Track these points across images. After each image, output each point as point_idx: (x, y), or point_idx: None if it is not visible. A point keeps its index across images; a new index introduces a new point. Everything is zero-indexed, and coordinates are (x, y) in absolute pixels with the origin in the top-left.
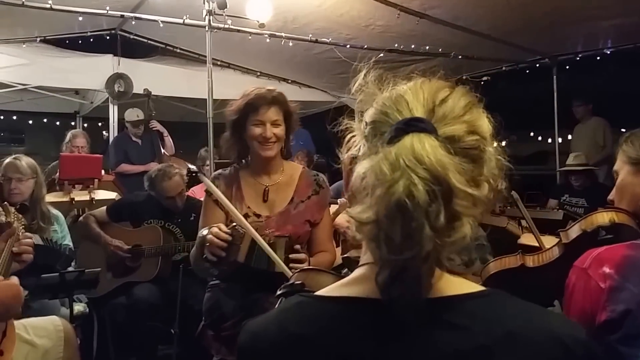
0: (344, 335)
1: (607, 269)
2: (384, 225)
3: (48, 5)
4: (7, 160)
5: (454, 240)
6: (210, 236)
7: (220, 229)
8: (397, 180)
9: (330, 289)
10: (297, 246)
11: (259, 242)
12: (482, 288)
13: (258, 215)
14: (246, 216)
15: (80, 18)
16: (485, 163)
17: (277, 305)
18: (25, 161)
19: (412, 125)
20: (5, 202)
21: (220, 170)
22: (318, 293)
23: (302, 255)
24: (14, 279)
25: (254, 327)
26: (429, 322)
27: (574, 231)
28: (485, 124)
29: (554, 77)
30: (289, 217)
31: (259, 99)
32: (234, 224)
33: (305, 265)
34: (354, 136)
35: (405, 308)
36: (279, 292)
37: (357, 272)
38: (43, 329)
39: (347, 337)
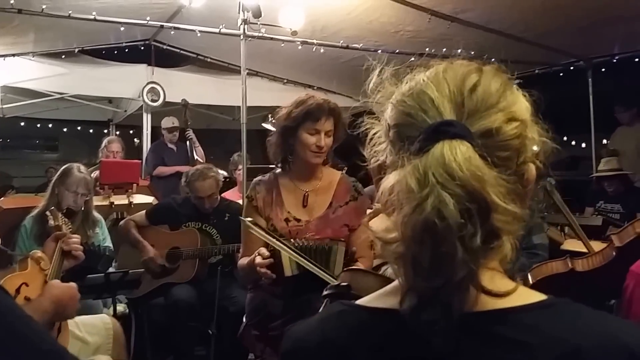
0: (378, 347)
1: None
2: (411, 247)
3: (92, 17)
4: (77, 173)
5: (493, 263)
6: (257, 268)
7: (262, 256)
8: (425, 199)
9: (371, 298)
10: (354, 248)
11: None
12: (543, 297)
13: (298, 220)
14: (287, 220)
15: (122, 28)
16: (527, 147)
17: (321, 308)
18: (90, 177)
19: (442, 132)
20: (53, 207)
21: (260, 177)
22: (359, 302)
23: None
24: (72, 283)
25: (297, 333)
26: (476, 338)
27: (628, 234)
28: (523, 105)
29: (589, 80)
30: (327, 221)
31: (318, 108)
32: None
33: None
34: (377, 134)
35: (435, 333)
36: (325, 293)
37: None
38: (93, 326)
39: (381, 350)
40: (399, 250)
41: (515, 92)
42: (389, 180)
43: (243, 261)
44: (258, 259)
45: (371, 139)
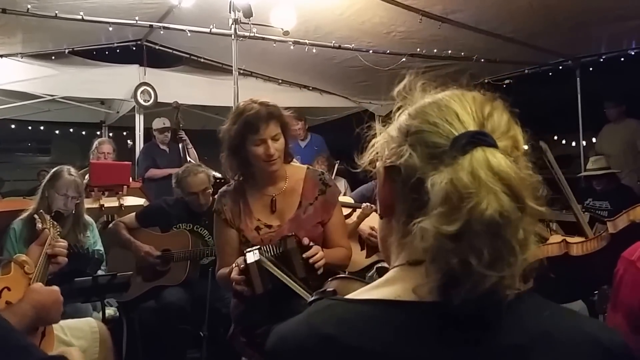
0: (376, 337)
1: None
2: (474, 239)
3: (79, 17)
4: (67, 176)
5: (525, 259)
6: (234, 284)
7: (238, 269)
8: (485, 197)
9: (360, 292)
10: (306, 239)
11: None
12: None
13: (269, 226)
14: (257, 229)
15: (110, 28)
16: None
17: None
18: (80, 180)
19: (480, 140)
20: (41, 211)
21: (224, 187)
22: (347, 296)
23: (314, 250)
24: (55, 287)
25: (283, 330)
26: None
27: (622, 221)
28: (521, 137)
29: (577, 79)
30: (300, 223)
31: (255, 118)
32: (245, 250)
33: (323, 260)
34: (380, 137)
35: (479, 323)
36: (310, 299)
37: (387, 275)
38: (79, 330)
39: (380, 339)
40: (454, 245)
41: (517, 127)
42: (438, 179)
43: (223, 271)
44: (234, 273)
45: (372, 141)
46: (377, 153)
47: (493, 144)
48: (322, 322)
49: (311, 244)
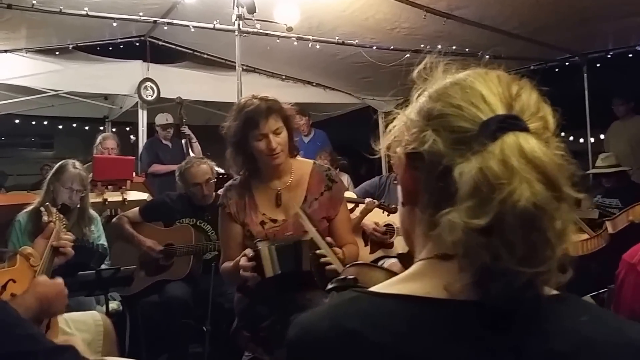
0: (402, 334)
1: None
2: (506, 233)
3: (84, 12)
4: (72, 169)
5: (564, 249)
6: (242, 271)
7: (246, 257)
8: (518, 186)
9: (386, 285)
10: (328, 238)
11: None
12: (555, 291)
13: (274, 221)
14: (262, 223)
15: (114, 24)
16: None
17: (328, 300)
18: (85, 173)
19: (511, 124)
20: (48, 204)
21: (230, 182)
22: (373, 289)
23: (334, 251)
24: (59, 279)
25: (305, 321)
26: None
27: (621, 221)
28: (552, 118)
29: (585, 75)
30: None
31: (255, 113)
32: (254, 240)
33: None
34: (400, 123)
35: (518, 326)
36: (330, 286)
37: (414, 268)
38: (83, 323)
39: (406, 336)
40: (483, 238)
41: (546, 106)
42: (467, 168)
43: (227, 264)
44: (243, 260)
45: (391, 131)
46: (395, 137)
47: (525, 128)
48: (347, 316)
49: (333, 243)
